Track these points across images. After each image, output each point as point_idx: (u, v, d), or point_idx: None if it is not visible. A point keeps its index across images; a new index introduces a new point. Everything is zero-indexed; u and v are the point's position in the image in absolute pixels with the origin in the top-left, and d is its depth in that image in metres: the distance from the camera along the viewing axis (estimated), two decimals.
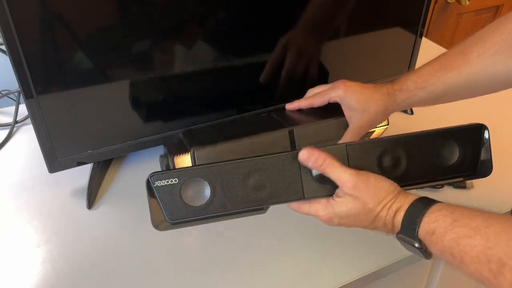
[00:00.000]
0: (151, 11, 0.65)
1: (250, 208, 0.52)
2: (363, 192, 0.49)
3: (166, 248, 0.66)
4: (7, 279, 0.61)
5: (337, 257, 0.64)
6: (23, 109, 0.94)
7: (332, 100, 0.65)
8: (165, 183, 0.49)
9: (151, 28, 0.66)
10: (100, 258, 0.64)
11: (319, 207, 0.52)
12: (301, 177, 0.52)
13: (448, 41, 1.63)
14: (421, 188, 0.56)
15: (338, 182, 0.50)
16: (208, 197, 0.50)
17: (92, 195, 0.74)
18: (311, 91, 0.70)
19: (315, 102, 0.67)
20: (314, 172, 0.51)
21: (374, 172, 0.51)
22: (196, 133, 0.70)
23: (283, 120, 0.71)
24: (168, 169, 0.65)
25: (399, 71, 0.95)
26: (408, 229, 0.46)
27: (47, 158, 0.68)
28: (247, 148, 0.66)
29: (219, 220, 0.53)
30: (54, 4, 0.59)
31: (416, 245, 0.45)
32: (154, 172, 0.49)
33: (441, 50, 1.24)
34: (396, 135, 0.54)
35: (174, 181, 0.49)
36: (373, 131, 0.76)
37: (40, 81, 0.62)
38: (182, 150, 0.65)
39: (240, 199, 0.51)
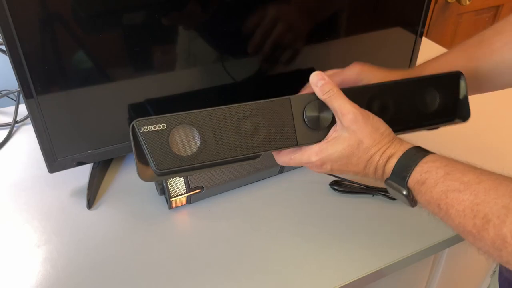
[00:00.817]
0: (151, 11, 0.65)
1: (243, 156, 0.50)
2: (361, 128, 0.48)
3: (166, 248, 0.66)
4: (7, 279, 0.61)
5: (337, 257, 0.64)
6: (23, 109, 0.94)
7: (347, 79, 0.60)
8: (152, 128, 0.46)
9: (151, 27, 0.66)
10: (100, 258, 0.64)
11: (312, 152, 0.50)
12: (293, 123, 0.51)
13: (448, 41, 1.63)
14: (407, 133, 0.56)
15: (339, 112, 0.49)
16: (198, 145, 0.47)
17: (92, 195, 0.74)
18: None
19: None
20: (307, 117, 0.51)
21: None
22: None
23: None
24: (163, 190, 0.62)
25: None
26: (399, 176, 0.46)
27: (47, 158, 0.68)
28: (241, 164, 0.62)
29: (208, 169, 0.49)
30: (54, 4, 0.59)
31: (404, 192, 0.45)
32: (140, 118, 0.46)
33: (441, 50, 1.24)
34: (381, 82, 0.55)
35: (162, 126, 0.46)
36: None
37: (40, 81, 0.62)
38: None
39: (233, 146, 0.49)
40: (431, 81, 0.57)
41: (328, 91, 0.49)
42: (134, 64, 0.69)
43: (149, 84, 0.72)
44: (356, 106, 0.49)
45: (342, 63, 0.88)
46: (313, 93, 0.52)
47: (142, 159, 0.47)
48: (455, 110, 0.59)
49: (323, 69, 0.85)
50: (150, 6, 0.65)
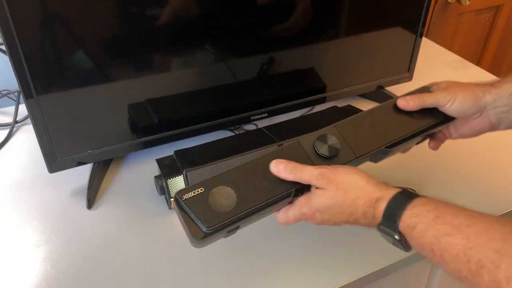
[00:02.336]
0: (151, 12, 0.65)
1: (278, 196, 0.53)
2: (332, 179, 0.50)
3: (166, 248, 0.66)
4: (7, 279, 0.61)
5: (337, 257, 0.64)
6: (23, 109, 0.94)
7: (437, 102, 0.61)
8: (193, 194, 0.50)
9: (151, 28, 0.66)
10: (100, 258, 0.64)
11: (300, 204, 0.52)
12: (309, 157, 0.55)
13: (448, 41, 1.63)
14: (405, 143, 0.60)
15: (309, 179, 0.51)
16: (235, 198, 0.51)
17: (92, 195, 0.74)
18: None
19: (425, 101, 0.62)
20: (319, 150, 0.55)
21: (365, 134, 0.54)
22: (187, 153, 0.72)
23: (273, 135, 0.74)
24: (163, 190, 0.68)
25: (399, 71, 0.95)
26: (390, 221, 0.46)
27: (47, 158, 0.68)
28: (239, 164, 0.67)
29: (255, 219, 0.53)
30: (54, 4, 0.59)
31: (396, 237, 0.46)
32: (179, 190, 0.50)
33: (441, 50, 1.24)
34: (374, 107, 0.61)
35: (200, 190, 0.50)
36: None
37: (40, 81, 0.62)
38: (175, 172, 0.68)
39: (265, 190, 0.52)
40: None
41: (292, 170, 0.52)
42: (134, 64, 0.69)
43: (149, 84, 0.72)
44: (321, 166, 0.52)
45: (342, 63, 0.88)
46: (316, 131, 0.57)
47: (190, 225, 0.50)
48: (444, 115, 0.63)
49: (323, 69, 0.86)
50: (150, 6, 0.65)
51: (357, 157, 0.57)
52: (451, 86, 0.61)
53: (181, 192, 0.50)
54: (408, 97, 0.61)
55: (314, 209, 0.51)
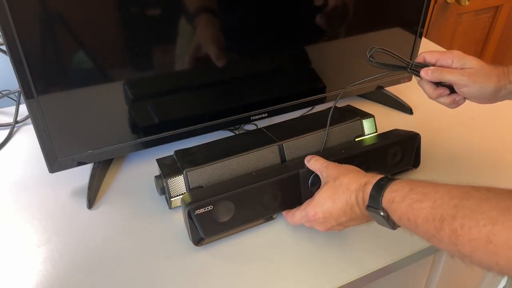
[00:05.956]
0: (152, 11, 0.65)
1: (264, 217, 0.68)
2: (333, 170, 0.60)
3: (166, 248, 0.66)
4: (7, 279, 0.61)
5: (337, 257, 0.64)
6: (23, 109, 0.94)
7: (442, 60, 0.66)
8: (203, 210, 0.60)
9: (151, 28, 0.67)
10: (100, 258, 0.64)
11: (305, 204, 0.61)
12: (300, 190, 0.67)
13: (448, 41, 1.63)
14: None
15: (320, 168, 0.63)
16: (233, 212, 0.63)
17: (93, 195, 0.74)
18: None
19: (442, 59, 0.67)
20: (312, 183, 0.66)
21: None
22: (187, 153, 0.73)
23: (273, 135, 0.75)
24: (163, 190, 0.70)
25: (399, 71, 0.95)
26: (374, 200, 0.51)
27: (48, 158, 0.68)
28: (239, 164, 0.71)
29: (240, 230, 0.67)
30: (54, 4, 0.60)
31: (381, 213, 0.50)
32: (192, 203, 0.59)
33: (441, 50, 1.24)
34: (363, 147, 0.71)
35: (209, 208, 0.60)
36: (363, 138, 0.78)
37: (40, 81, 0.63)
38: (175, 172, 0.68)
39: (257, 211, 0.65)
40: (397, 143, 0.72)
41: (310, 159, 0.65)
42: (134, 64, 0.69)
43: (149, 84, 0.72)
44: (330, 162, 0.63)
45: (342, 63, 0.89)
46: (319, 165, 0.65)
47: (193, 232, 0.62)
48: (411, 161, 0.76)
49: (323, 68, 0.86)
50: (150, 5, 0.65)
51: None
52: (474, 72, 0.63)
53: (194, 207, 0.59)
54: (430, 69, 0.65)
55: (316, 205, 0.59)
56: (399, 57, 0.67)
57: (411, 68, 0.67)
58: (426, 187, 0.47)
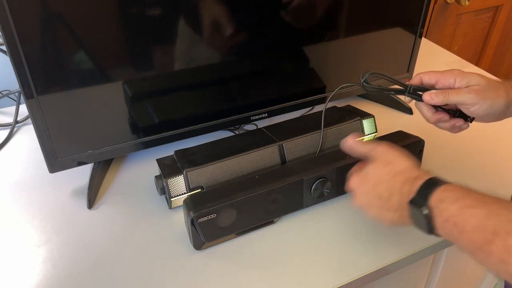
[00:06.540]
0: (152, 12, 0.65)
1: (264, 222, 0.68)
2: (386, 153, 0.55)
3: (166, 249, 0.66)
4: (7, 279, 0.61)
5: (336, 256, 0.64)
6: (23, 109, 0.94)
7: (443, 81, 0.62)
8: (206, 219, 0.60)
9: (151, 28, 0.67)
10: (100, 258, 0.64)
11: (357, 168, 0.59)
12: (302, 195, 0.67)
13: (447, 41, 1.63)
14: None
15: (369, 150, 0.57)
16: (235, 218, 0.63)
17: (93, 195, 0.74)
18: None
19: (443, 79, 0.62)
20: (315, 190, 0.67)
21: None
22: (187, 153, 0.73)
23: (273, 135, 0.75)
24: (163, 190, 0.70)
25: (399, 71, 0.95)
26: (422, 195, 0.48)
27: (48, 158, 0.68)
28: (239, 164, 0.71)
29: (240, 234, 0.67)
30: (54, 4, 0.60)
31: (425, 211, 0.47)
32: (196, 211, 0.59)
33: (441, 50, 1.24)
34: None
35: (212, 216, 0.60)
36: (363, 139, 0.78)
37: (41, 81, 0.63)
38: (175, 172, 0.68)
39: (258, 217, 0.66)
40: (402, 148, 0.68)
41: (350, 141, 0.60)
42: (134, 64, 0.69)
43: (149, 84, 0.72)
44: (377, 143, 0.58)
45: (342, 63, 0.89)
46: (320, 174, 0.67)
47: (195, 238, 0.63)
48: None
49: (322, 68, 0.86)
50: (150, 5, 0.65)
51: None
52: (482, 89, 0.59)
53: (197, 215, 0.59)
54: (433, 92, 0.60)
55: (365, 177, 0.55)
56: (395, 81, 0.63)
57: (409, 92, 0.63)
58: (484, 195, 0.45)
